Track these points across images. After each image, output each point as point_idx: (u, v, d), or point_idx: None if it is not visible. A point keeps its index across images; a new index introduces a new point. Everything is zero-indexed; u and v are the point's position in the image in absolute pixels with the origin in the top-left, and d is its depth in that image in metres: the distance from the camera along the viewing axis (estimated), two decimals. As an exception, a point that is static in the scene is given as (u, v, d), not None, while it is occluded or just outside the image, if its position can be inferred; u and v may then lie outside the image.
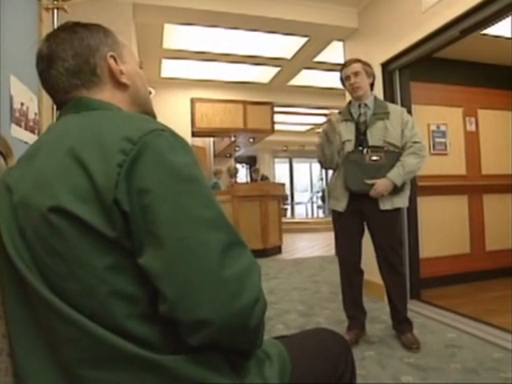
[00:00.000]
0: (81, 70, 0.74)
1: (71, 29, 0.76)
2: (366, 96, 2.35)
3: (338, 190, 2.37)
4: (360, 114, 2.36)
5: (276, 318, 2.89)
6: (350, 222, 2.37)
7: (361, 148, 2.28)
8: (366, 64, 2.38)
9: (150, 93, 0.89)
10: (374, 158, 2.25)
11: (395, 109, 2.42)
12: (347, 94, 3.70)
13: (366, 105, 2.36)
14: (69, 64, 0.73)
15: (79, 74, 0.74)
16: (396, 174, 2.21)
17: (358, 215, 2.35)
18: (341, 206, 2.35)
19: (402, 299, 2.36)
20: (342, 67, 2.44)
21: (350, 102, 2.45)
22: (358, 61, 2.38)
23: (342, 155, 2.35)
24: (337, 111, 2.47)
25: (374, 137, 2.29)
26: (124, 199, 0.56)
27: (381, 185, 2.21)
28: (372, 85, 2.41)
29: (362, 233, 2.41)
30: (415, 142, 2.28)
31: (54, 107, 1.87)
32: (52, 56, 0.74)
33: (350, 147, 2.32)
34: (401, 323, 2.35)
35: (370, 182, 2.23)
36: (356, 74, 2.32)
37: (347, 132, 2.35)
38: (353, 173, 2.26)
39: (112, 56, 0.77)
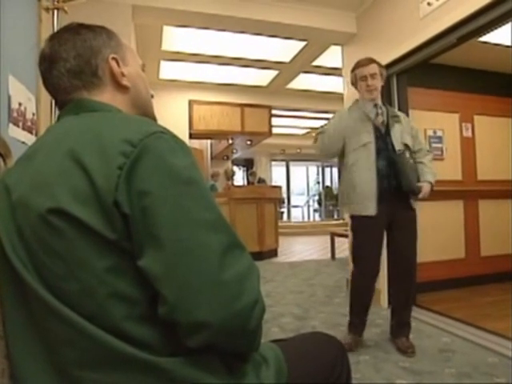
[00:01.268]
0: (82, 70, 0.74)
1: (75, 30, 0.77)
2: (378, 98, 2.33)
3: (362, 193, 2.24)
4: (377, 114, 2.30)
5: (272, 321, 2.88)
6: (378, 226, 2.29)
7: (399, 150, 2.27)
8: (381, 66, 2.34)
9: (152, 96, 0.89)
10: (412, 161, 2.34)
11: (402, 115, 2.49)
12: (345, 99, 3.74)
13: (380, 106, 2.33)
14: (70, 65, 0.74)
15: (80, 75, 0.74)
16: (433, 179, 2.33)
17: (385, 218, 2.29)
18: (369, 210, 2.23)
19: (410, 303, 2.38)
20: (356, 65, 2.36)
21: (356, 101, 2.41)
22: (375, 61, 2.32)
23: (359, 154, 2.27)
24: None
25: (396, 139, 2.29)
26: (124, 201, 0.56)
27: (428, 189, 2.30)
28: (383, 87, 2.38)
29: (383, 237, 2.37)
30: (429, 151, 2.43)
31: (53, 107, 1.86)
32: (54, 56, 0.74)
33: (371, 149, 2.25)
34: (402, 327, 2.35)
35: (420, 184, 2.27)
36: (373, 75, 2.27)
37: (365, 133, 2.28)
38: (413, 174, 2.26)
39: (114, 58, 0.77)
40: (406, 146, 2.31)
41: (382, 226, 2.32)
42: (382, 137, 2.30)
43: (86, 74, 0.74)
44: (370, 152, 2.26)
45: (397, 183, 2.24)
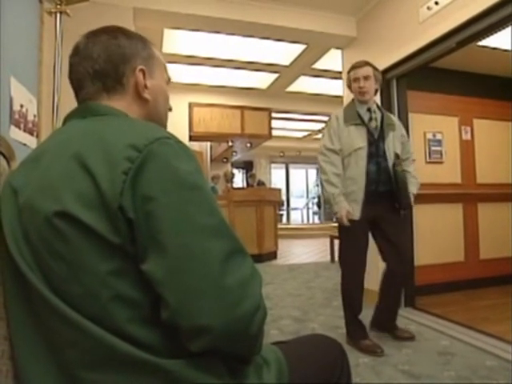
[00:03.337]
0: (107, 74, 0.75)
1: (113, 33, 0.78)
2: (371, 101, 2.33)
3: (351, 195, 2.26)
4: (371, 119, 2.31)
5: (271, 323, 2.88)
6: (363, 230, 2.31)
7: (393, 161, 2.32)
8: (375, 69, 2.34)
9: (171, 109, 0.89)
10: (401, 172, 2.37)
11: (396, 121, 2.49)
12: (344, 102, 3.76)
13: (374, 110, 2.33)
14: (98, 66, 0.75)
15: (105, 79, 0.75)
16: (416, 191, 2.42)
17: (369, 222, 2.32)
18: (355, 214, 2.24)
19: (400, 295, 2.55)
20: (351, 67, 2.37)
21: (352, 100, 2.41)
22: (369, 64, 2.32)
23: (351, 158, 2.27)
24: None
25: (389, 149, 2.30)
26: (129, 206, 0.57)
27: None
28: (377, 90, 2.38)
29: (368, 239, 2.38)
30: (413, 160, 2.49)
31: (54, 109, 1.87)
32: (86, 54, 0.75)
33: (362, 154, 2.25)
34: (393, 320, 2.49)
35: (414, 193, 2.36)
36: (366, 77, 2.28)
37: (358, 138, 2.27)
38: (407, 191, 2.32)
39: (142, 70, 0.78)
40: (396, 154, 2.34)
41: (367, 228, 2.34)
42: (375, 142, 2.29)
43: (110, 79, 0.75)
44: (361, 157, 2.26)
45: (391, 196, 2.29)
